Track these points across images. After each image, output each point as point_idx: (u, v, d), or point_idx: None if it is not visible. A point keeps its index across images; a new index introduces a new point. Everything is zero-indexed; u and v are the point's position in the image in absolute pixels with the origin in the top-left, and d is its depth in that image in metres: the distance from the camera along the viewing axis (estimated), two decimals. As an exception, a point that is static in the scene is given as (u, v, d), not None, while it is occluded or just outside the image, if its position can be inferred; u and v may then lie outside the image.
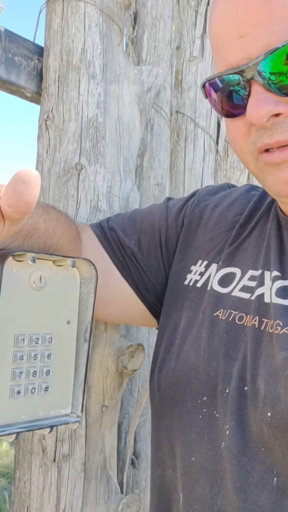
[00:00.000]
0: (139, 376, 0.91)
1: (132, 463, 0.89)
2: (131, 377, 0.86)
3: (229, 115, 0.51)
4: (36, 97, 0.85)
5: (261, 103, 0.45)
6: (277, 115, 0.46)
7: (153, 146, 0.93)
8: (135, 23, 0.94)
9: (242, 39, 0.46)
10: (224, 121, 0.95)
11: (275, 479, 0.45)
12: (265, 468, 0.46)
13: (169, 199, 0.72)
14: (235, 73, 0.47)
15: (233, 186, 0.70)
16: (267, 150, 0.49)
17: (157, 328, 0.71)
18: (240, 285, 0.55)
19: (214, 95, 0.52)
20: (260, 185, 0.59)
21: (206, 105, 1.04)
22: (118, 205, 0.83)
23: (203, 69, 1.04)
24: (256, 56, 0.45)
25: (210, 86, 0.51)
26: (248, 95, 0.47)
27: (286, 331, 0.48)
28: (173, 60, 1.01)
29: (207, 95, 0.53)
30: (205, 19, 1.04)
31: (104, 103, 0.82)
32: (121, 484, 0.85)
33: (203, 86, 0.53)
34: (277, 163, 0.48)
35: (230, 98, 0.49)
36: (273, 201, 0.60)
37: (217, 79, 0.50)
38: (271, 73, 0.45)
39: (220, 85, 0.50)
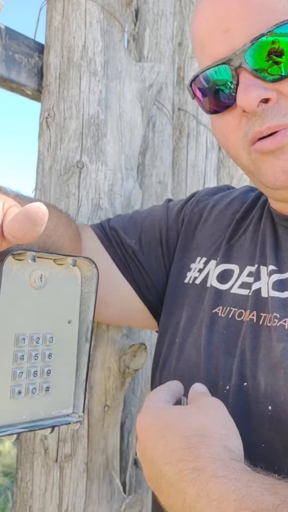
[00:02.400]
0: (142, 375, 0.91)
1: (135, 463, 0.88)
2: (133, 377, 0.85)
3: (217, 110, 0.51)
4: (37, 94, 0.85)
5: (250, 87, 0.46)
6: (266, 101, 0.47)
7: (155, 144, 0.92)
8: (136, 20, 0.94)
9: (226, 34, 0.48)
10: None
11: (276, 475, 0.46)
12: (265, 465, 0.46)
13: (169, 200, 0.73)
14: (223, 63, 0.48)
15: (232, 187, 0.71)
16: (258, 140, 0.49)
17: (157, 332, 0.71)
18: (239, 282, 0.56)
19: (200, 93, 0.52)
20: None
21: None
22: (120, 203, 0.83)
23: (205, 65, 1.03)
24: (242, 45, 0.46)
25: (196, 85, 0.52)
26: (237, 84, 0.48)
27: (283, 323, 0.48)
28: (175, 56, 1.00)
29: (194, 94, 0.54)
30: (207, 15, 1.03)
31: (106, 101, 0.82)
32: (123, 484, 0.84)
33: (190, 85, 0.53)
34: (271, 151, 0.48)
35: (217, 93, 0.50)
36: (267, 198, 0.60)
37: (202, 78, 0.51)
38: (258, 60, 0.46)
39: (207, 82, 0.51)
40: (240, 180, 1.05)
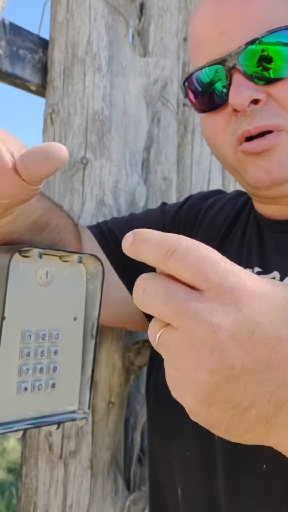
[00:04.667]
0: (146, 372, 0.90)
1: (139, 460, 0.88)
2: (137, 374, 0.85)
3: (208, 109, 0.53)
4: (41, 90, 0.84)
5: (242, 88, 0.49)
6: (256, 102, 0.49)
7: (160, 140, 0.92)
8: (141, 15, 0.93)
9: (223, 36, 0.50)
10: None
11: (264, 466, 0.46)
12: (254, 456, 0.47)
13: (164, 204, 0.74)
14: (217, 63, 0.50)
15: (224, 192, 0.73)
16: (246, 140, 0.51)
17: None
18: None
19: (193, 92, 0.54)
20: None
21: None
22: (124, 200, 0.82)
23: (210, 61, 1.02)
24: (237, 47, 0.49)
25: (189, 84, 0.54)
26: (229, 84, 0.50)
27: None
28: (180, 52, 0.99)
29: (186, 93, 0.56)
30: (212, 10, 1.02)
31: (110, 96, 0.81)
32: (128, 481, 0.85)
33: (183, 84, 0.55)
34: (257, 153, 0.50)
35: (209, 93, 0.52)
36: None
37: (195, 77, 0.53)
38: (250, 63, 0.49)
39: (200, 81, 0.53)
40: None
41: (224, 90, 0.51)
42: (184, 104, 1.00)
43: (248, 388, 0.28)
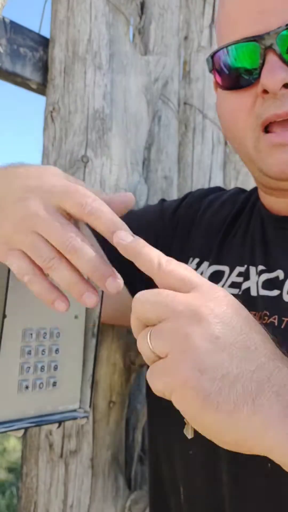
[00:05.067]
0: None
1: (140, 459, 0.88)
2: (138, 373, 0.85)
3: (233, 87, 0.52)
4: (42, 88, 0.84)
5: (277, 69, 0.47)
6: (287, 86, 0.48)
7: (161, 138, 0.92)
8: (142, 13, 0.93)
9: (262, 15, 0.48)
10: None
11: (269, 464, 0.46)
12: (258, 455, 0.46)
13: (163, 200, 0.74)
14: (253, 40, 0.48)
15: (223, 189, 0.72)
16: (268, 132, 0.49)
17: None
18: (229, 282, 0.56)
19: (220, 67, 0.52)
20: (247, 188, 0.62)
21: (214, 96, 1.02)
22: (125, 198, 0.82)
23: (211, 59, 1.02)
24: (277, 27, 0.47)
25: (217, 58, 0.53)
26: (263, 64, 0.48)
27: (273, 320, 0.49)
28: (180, 50, 0.99)
29: (212, 66, 0.54)
30: (213, 9, 1.02)
31: (111, 94, 0.81)
32: (129, 480, 0.84)
33: (212, 57, 0.54)
34: (282, 145, 0.49)
35: (238, 70, 0.50)
36: (257, 200, 0.61)
37: (226, 52, 0.51)
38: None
39: (230, 57, 0.51)
40: (246, 176, 1.04)
41: (255, 69, 0.49)
42: (185, 103, 1.00)
43: (233, 361, 0.33)
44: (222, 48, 0.51)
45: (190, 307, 0.35)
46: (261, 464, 0.47)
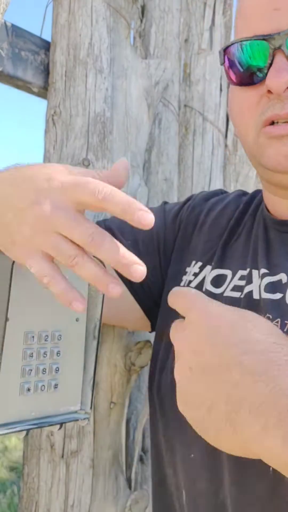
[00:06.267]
0: (147, 372, 0.91)
1: (141, 459, 0.89)
2: (139, 374, 0.85)
3: (243, 83, 0.52)
4: (43, 92, 0.85)
5: (282, 71, 0.47)
6: None
7: (161, 141, 0.92)
8: (142, 16, 0.93)
9: (276, 12, 0.48)
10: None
11: (271, 469, 0.46)
12: (261, 460, 0.46)
13: (165, 203, 0.73)
14: (264, 39, 0.48)
15: (225, 192, 0.72)
16: (271, 124, 0.50)
17: (149, 332, 0.71)
18: (231, 285, 0.57)
19: (230, 62, 0.52)
20: (247, 190, 0.61)
21: (214, 99, 1.03)
22: (126, 201, 0.83)
23: (212, 62, 1.02)
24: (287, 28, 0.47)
25: (229, 52, 0.52)
26: (271, 64, 0.48)
27: (276, 323, 0.49)
28: (181, 53, 0.99)
29: (224, 60, 0.54)
30: (214, 12, 1.02)
31: (112, 98, 0.82)
32: (129, 480, 0.85)
33: (224, 50, 0.53)
34: (281, 136, 0.49)
35: (247, 67, 0.50)
36: (260, 203, 0.61)
37: (237, 48, 0.51)
38: None
39: (240, 52, 0.51)
40: (246, 177, 1.05)
41: (263, 68, 0.49)
42: (185, 106, 1.00)
43: (210, 388, 0.35)
44: (234, 43, 0.51)
45: (174, 339, 0.40)
46: (263, 469, 0.47)
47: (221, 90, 1.04)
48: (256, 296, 0.53)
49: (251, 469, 0.48)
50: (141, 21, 0.93)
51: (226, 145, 1.04)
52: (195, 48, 1.01)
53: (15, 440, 2.86)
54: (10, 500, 2.30)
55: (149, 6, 0.94)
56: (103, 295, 0.51)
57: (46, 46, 0.84)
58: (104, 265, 0.50)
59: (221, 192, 0.72)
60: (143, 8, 0.93)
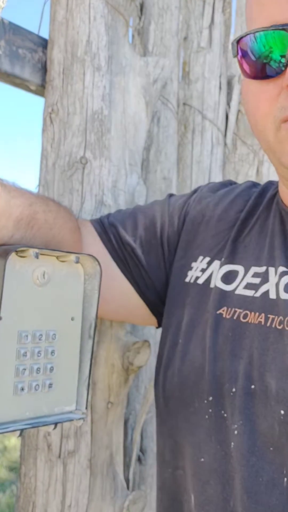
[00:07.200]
0: (145, 372, 0.90)
1: (139, 459, 0.88)
2: (137, 374, 0.85)
3: (259, 76, 0.48)
4: (41, 90, 0.84)
5: None
6: None
7: (160, 139, 0.92)
8: (141, 14, 0.93)
9: None
10: (232, 110, 0.94)
11: (285, 479, 0.45)
12: (274, 468, 0.45)
13: (171, 195, 0.70)
14: (282, 29, 0.44)
15: (235, 183, 0.69)
16: None
17: (156, 327, 0.70)
18: (244, 283, 0.54)
19: (245, 54, 0.49)
20: (260, 182, 0.59)
21: (213, 97, 1.02)
22: (124, 200, 0.82)
23: (211, 60, 1.02)
24: None
25: (242, 44, 0.49)
26: None
27: None
28: (180, 51, 0.99)
29: (237, 52, 0.50)
30: (213, 9, 1.02)
31: (110, 96, 0.81)
32: (127, 480, 0.85)
33: (237, 42, 0.50)
34: None
35: (264, 59, 0.47)
36: (274, 196, 0.58)
37: (252, 39, 0.47)
38: None
39: (256, 44, 0.47)
40: (246, 176, 1.04)
41: (283, 60, 0.45)
42: (184, 104, 1.00)
43: None
44: (249, 34, 0.47)
45: None
46: (277, 480, 0.44)
47: (220, 88, 1.03)
48: (272, 295, 0.51)
49: (265, 478, 0.46)
50: (140, 18, 0.92)
51: (225, 144, 1.04)
52: (194, 46, 1.01)
53: (15, 440, 2.85)
54: (9, 500, 2.30)
55: (147, 3, 0.93)
56: (99, 294, 0.50)
57: (44, 44, 0.84)
58: (100, 267, 0.49)
59: (230, 183, 0.68)
60: (141, 6, 0.93)
